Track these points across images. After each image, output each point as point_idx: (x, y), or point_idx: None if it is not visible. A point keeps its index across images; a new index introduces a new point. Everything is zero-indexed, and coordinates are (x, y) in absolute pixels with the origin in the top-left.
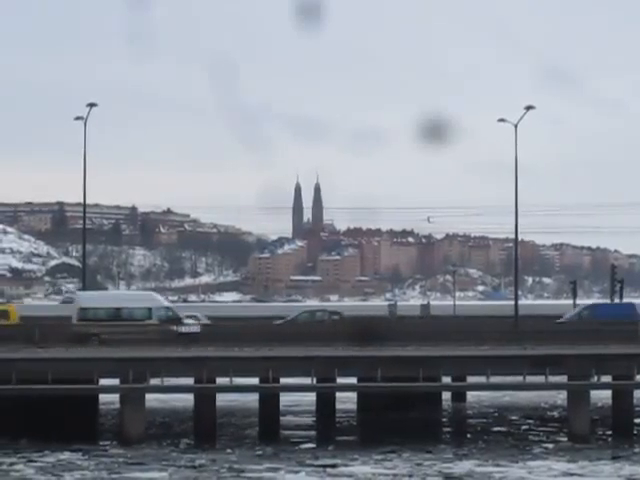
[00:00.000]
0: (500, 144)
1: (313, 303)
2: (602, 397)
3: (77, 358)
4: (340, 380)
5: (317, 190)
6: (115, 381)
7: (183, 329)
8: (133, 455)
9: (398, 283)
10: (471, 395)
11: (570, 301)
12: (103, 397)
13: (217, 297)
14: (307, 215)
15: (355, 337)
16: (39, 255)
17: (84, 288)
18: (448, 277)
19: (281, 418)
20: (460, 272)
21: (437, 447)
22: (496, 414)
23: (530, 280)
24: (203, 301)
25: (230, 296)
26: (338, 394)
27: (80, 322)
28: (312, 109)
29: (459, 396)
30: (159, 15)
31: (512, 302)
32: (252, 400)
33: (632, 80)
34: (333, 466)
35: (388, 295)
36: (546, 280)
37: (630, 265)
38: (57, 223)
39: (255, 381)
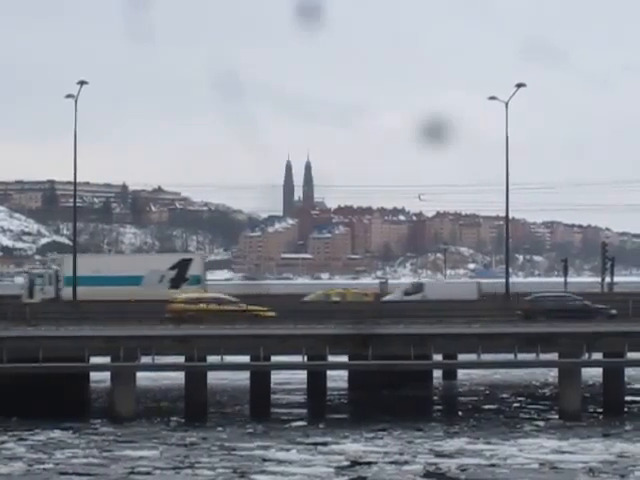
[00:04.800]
0: (491, 122)
1: (304, 281)
2: (593, 375)
3: (68, 336)
4: (331, 358)
5: (308, 168)
6: (106, 359)
7: None
8: (124, 433)
9: (389, 261)
10: (462, 373)
11: (561, 279)
12: (94, 375)
13: (208, 275)
14: (298, 193)
15: None
16: (30, 233)
17: (74, 266)
18: (439, 255)
19: (272, 396)
20: (451, 250)
21: (428, 425)
22: (487, 392)
23: (521, 258)
24: None
25: (221, 274)
26: (329, 372)
27: None
28: (303, 87)
29: (450, 374)
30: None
31: (503, 280)
32: (243, 378)
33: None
34: (324, 444)
35: (379, 273)
36: (537, 258)
37: (621, 243)
38: (48, 201)
39: (246, 359)
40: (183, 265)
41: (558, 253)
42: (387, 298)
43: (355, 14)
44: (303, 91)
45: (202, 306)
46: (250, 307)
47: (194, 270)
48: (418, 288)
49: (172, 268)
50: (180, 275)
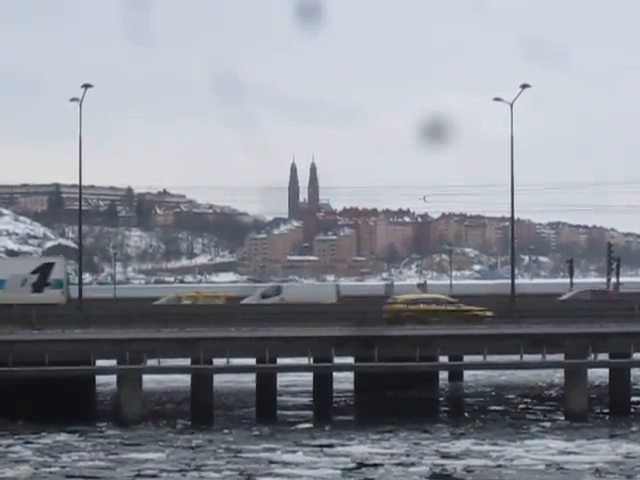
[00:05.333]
0: (496, 123)
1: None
2: (599, 375)
3: (74, 339)
4: (337, 360)
5: (313, 170)
6: (112, 362)
7: None
8: (130, 436)
9: (394, 263)
10: (468, 374)
11: (567, 280)
12: (100, 378)
13: (214, 278)
14: (303, 195)
15: None
16: (35, 237)
17: (80, 270)
18: (444, 256)
19: (278, 398)
20: (456, 251)
21: (434, 426)
22: (493, 393)
23: (527, 259)
24: (200, 282)
25: (226, 277)
26: (335, 374)
27: None
28: (307, 89)
29: (456, 375)
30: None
31: (508, 281)
32: (249, 381)
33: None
34: (330, 446)
35: (384, 275)
36: (542, 259)
37: (626, 243)
38: (53, 205)
39: (252, 362)
40: (45, 269)
41: (564, 254)
42: (245, 301)
43: (357, 15)
44: (307, 93)
45: (421, 307)
46: (468, 307)
47: (56, 274)
48: (276, 291)
49: (34, 272)
50: (42, 279)
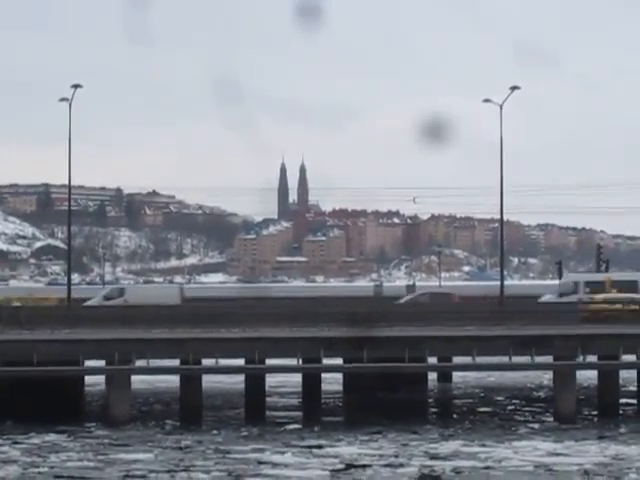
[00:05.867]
0: (486, 125)
1: (299, 284)
2: (588, 377)
3: (62, 340)
4: (326, 361)
5: (302, 171)
6: (101, 363)
7: None
8: (119, 436)
9: (384, 264)
10: (457, 375)
11: (556, 281)
12: (89, 379)
13: (203, 278)
14: (292, 196)
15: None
16: (24, 237)
17: (69, 270)
18: (434, 258)
19: (267, 399)
20: (446, 253)
21: (423, 427)
22: (482, 394)
23: (516, 260)
24: (189, 282)
25: (216, 277)
26: (324, 375)
27: None
28: (298, 90)
29: (445, 376)
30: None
31: (498, 282)
32: (238, 381)
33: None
34: (319, 447)
35: (374, 276)
36: (532, 260)
37: (615, 245)
38: (42, 205)
39: (241, 362)
40: None
41: (553, 255)
42: (88, 303)
43: (349, 18)
44: (297, 93)
45: (618, 306)
46: None
47: None
48: (119, 292)
49: None
50: None
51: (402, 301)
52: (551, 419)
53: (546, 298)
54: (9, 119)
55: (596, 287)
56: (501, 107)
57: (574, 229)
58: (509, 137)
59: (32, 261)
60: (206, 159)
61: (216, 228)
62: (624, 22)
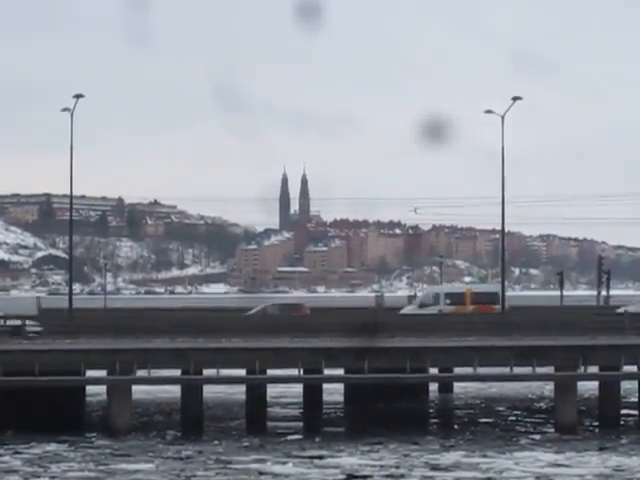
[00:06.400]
0: (486, 135)
1: (301, 294)
2: (589, 388)
3: (64, 349)
4: (327, 371)
5: (304, 182)
6: (102, 372)
7: None
8: (120, 447)
9: (385, 274)
10: (458, 386)
11: (557, 292)
12: (90, 389)
13: (204, 288)
14: (294, 206)
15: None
16: (26, 247)
17: (70, 280)
18: (435, 268)
19: (268, 409)
20: (447, 263)
21: (424, 438)
22: (483, 405)
23: (517, 271)
24: (190, 292)
25: (217, 287)
26: (325, 385)
27: None
28: (299, 100)
29: (446, 387)
30: (150, 6)
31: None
32: (239, 392)
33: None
34: (320, 457)
35: (375, 286)
36: (533, 271)
37: (617, 256)
38: (44, 215)
39: (242, 373)
40: None
41: (554, 266)
42: None
43: (349, 28)
44: (299, 103)
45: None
46: None
47: None
48: None
49: None
50: None
51: (252, 312)
52: (552, 430)
53: (407, 309)
54: (10, 129)
55: (456, 299)
56: (503, 118)
57: (575, 240)
58: (510, 147)
59: (33, 271)
60: (208, 169)
61: (217, 238)
62: (625, 31)
